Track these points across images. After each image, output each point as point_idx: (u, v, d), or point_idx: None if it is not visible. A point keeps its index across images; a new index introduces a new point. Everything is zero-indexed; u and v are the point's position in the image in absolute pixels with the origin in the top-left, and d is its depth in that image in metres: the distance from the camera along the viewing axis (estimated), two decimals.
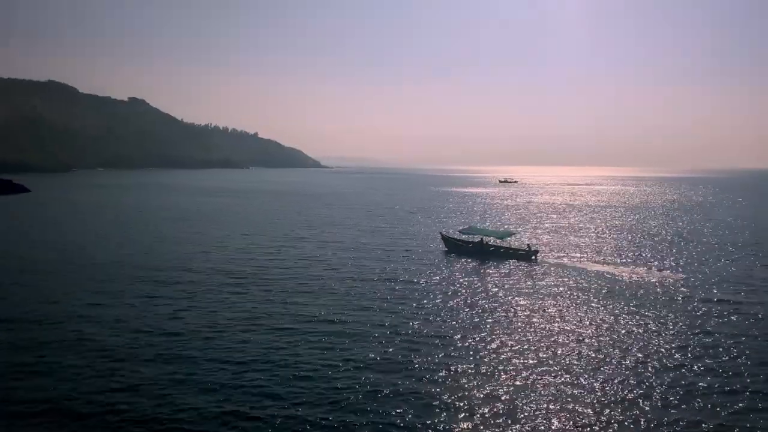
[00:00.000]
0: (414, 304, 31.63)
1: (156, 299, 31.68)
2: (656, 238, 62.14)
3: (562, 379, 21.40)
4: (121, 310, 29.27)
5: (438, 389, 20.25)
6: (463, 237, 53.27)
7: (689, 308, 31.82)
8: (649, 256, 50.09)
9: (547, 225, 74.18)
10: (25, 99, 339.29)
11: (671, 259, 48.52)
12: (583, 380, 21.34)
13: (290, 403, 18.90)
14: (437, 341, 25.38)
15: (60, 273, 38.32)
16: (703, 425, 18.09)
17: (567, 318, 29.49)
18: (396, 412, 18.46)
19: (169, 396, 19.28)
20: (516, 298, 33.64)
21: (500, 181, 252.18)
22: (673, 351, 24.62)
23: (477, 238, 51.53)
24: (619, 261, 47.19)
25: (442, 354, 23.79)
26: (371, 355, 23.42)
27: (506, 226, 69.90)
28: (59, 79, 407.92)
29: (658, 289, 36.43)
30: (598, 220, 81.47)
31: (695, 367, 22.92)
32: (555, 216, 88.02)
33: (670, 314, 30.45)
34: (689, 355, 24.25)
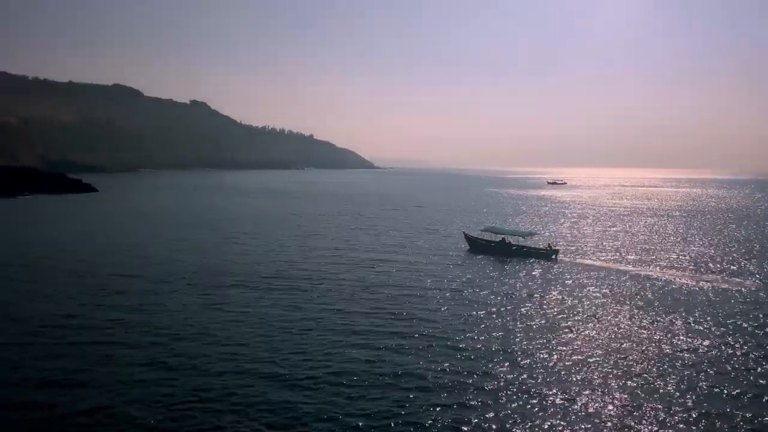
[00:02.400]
0: (442, 304, 31.83)
1: (208, 301, 32.01)
2: (697, 243, 59.98)
3: (597, 380, 21.49)
4: (180, 315, 29.64)
5: (471, 389, 20.24)
6: (486, 236, 53.69)
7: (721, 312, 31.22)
8: (687, 260, 48.98)
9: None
10: (94, 102, 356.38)
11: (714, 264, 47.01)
12: (608, 379, 21.48)
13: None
14: (471, 339, 25.81)
15: (116, 273, 39.22)
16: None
17: (585, 316, 29.93)
18: (430, 410, 18.56)
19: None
20: (538, 295, 34.18)
21: (548, 183, 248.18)
22: (686, 353, 24.58)
23: (499, 238, 52.00)
24: (645, 263, 46.61)
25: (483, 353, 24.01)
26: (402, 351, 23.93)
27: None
28: (125, 83, 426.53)
29: (674, 290, 36.24)
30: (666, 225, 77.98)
31: (707, 368, 22.79)
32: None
33: (686, 314, 30.36)
34: (704, 357, 24.15)
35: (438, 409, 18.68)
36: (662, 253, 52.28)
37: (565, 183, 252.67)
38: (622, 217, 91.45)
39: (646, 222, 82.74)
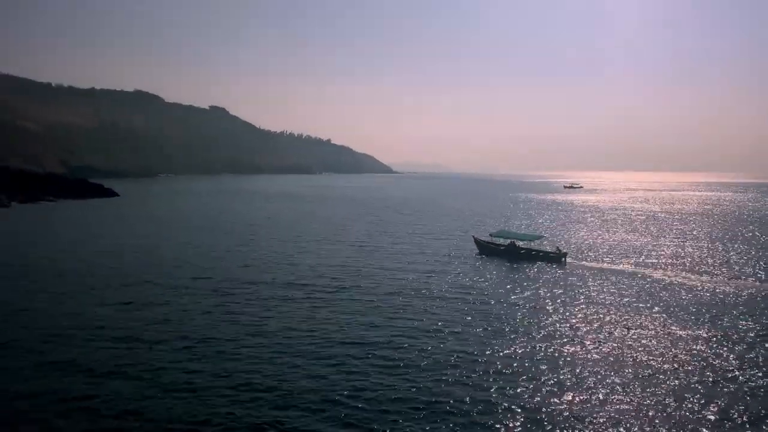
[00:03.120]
0: (451, 305, 32.32)
1: (218, 305, 30.59)
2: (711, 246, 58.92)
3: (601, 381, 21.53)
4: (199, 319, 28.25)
5: (480, 392, 20.17)
6: (495, 240, 53.99)
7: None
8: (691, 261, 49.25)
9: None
10: (115, 108, 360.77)
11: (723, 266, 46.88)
12: (618, 383, 21.29)
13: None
14: (483, 337, 26.49)
15: (138, 278, 38.08)
16: None
17: (591, 318, 30.19)
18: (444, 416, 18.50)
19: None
20: (546, 298, 34.38)
21: (565, 187, 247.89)
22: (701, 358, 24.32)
23: (507, 241, 52.34)
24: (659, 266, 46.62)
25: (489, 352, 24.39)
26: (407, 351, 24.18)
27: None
28: (146, 89, 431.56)
29: (688, 293, 36.33)
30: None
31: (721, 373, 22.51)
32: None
33: (700, 319, 30.17)
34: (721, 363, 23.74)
35: (445, 414, 18.56)
36: (676, 257, 51.87)
37: (582, 187, 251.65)
38: (637, 221, 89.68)
39: (660, 226, 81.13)
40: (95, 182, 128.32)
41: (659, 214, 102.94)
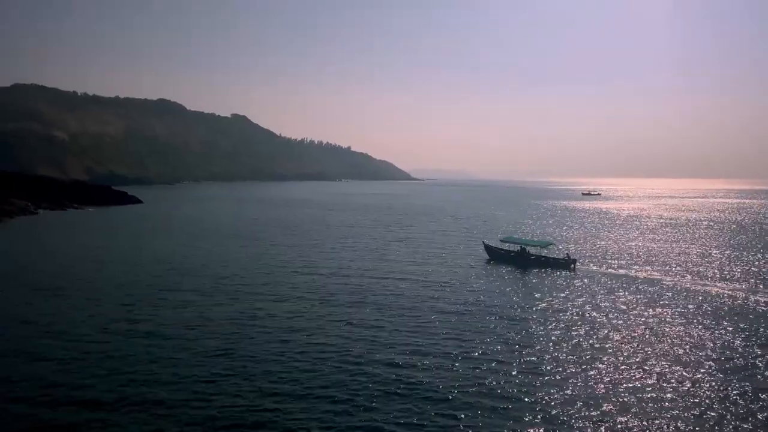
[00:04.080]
0: (463, 309, 33.06)
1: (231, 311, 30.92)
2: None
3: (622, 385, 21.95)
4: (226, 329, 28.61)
5: (494, 400, 20.27)
6: (505, 246, 54.38)
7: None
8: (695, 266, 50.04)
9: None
10: (139, 117, 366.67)
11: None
12: (630, 387, 21.69)
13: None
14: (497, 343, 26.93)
15: (162, 284, 38.61)
16: None
17: (603, 324, 30.68)
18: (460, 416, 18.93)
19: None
20: (556, 304, 34.66)
21: (583, 194, 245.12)
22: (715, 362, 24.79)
23: (517, 247, 52.76)
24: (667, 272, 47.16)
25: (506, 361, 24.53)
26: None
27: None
28: (169, 98, 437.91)
29: (699, 297, 37.23)
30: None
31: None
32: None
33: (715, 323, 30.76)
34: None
35: (460, 418, 18.80)
36: (687, 263, 52.17)
37: (600, 194, 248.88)
38: (651, 228, 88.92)
39: (675, 233, 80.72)
40: (119, 189, 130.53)
41: (674, 221, 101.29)
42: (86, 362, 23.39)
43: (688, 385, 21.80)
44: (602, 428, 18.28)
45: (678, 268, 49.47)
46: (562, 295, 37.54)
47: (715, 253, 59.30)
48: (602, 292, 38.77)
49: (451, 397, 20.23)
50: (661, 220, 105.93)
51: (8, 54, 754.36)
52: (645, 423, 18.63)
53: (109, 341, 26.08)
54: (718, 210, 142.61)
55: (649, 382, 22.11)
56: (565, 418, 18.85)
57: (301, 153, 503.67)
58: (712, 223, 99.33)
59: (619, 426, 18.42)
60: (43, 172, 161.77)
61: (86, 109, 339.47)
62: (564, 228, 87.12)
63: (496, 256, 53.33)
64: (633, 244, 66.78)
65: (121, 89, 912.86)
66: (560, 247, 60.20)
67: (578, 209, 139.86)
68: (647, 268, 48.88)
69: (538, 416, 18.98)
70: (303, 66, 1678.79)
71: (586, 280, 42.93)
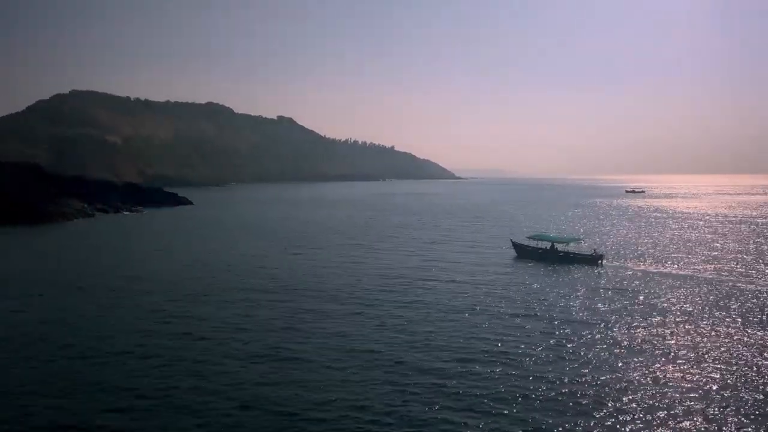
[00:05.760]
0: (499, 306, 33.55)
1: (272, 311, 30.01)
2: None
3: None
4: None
5: (528, 400, 20.19)
6: (532, 243, 54.24)
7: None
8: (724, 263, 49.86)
9: None
10: (189, 120, 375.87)
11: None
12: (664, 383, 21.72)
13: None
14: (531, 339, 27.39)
15: (216, 285, 38.29)
16: None
17: (640, 320, 30.90)
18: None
19: None
20: (586, 300, 34.97)
21: (627, 192, 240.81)
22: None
23: (546, 244, 52.78)
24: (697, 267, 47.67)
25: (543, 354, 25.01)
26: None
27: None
28: (217, 101, 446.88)
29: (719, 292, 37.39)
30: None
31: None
32: None
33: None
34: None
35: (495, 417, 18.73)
36: (725, 260, 51.43)
37: (644, 192, 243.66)
38: (687, 225, 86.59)
39: (711, 230, 78.48)
40: (170, 191, 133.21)
41: (713, 219, 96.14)
42: (132, 363, 23.09)
43: (734, 385, 21.35)
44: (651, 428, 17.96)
45: (709, 263, 49.17)
46: (591, 290, 37.99)
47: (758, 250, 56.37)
48: (630, 287, 39.14)
49: (509, 398, 20.02)
50: (700, 216, 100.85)
51: (66, 62, 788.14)
52: (694, 423, 18.27)
53: (162, 342, 25.80)
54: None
55: (688, 377, 22.05)
56: (617, 418, 18.61)
57: (345, 153, 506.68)
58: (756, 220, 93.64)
59: (670, 426, 18.09)
60: (98, 175, 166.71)
61: (138, 113, 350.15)
62: (612, 227, 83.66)
63: (524, 253, 53.52)
64: (666, 240, 66.10)
65: (172, 93, 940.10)
66: (592, 241, 60.72)
67: (629, 207, 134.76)
68: (682, 264, 49.01)
69: (588, 416, 18.77)
70: (347, 67, 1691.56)
71: (614, 275, 43.40)
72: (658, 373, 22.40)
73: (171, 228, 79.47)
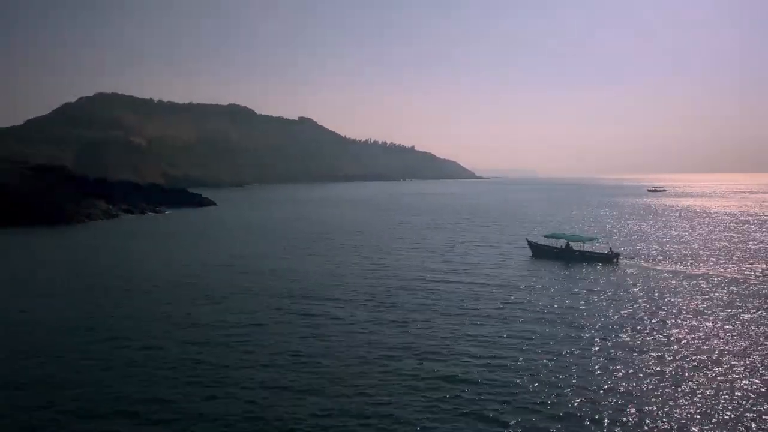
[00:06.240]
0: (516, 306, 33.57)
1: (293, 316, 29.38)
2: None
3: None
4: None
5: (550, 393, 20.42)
6: (548, 242, 54.25)
7: None
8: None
9: None
10: (211, 121, 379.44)
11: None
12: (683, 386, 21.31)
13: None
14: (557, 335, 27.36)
15: (236, 288, 37.93)
16: None
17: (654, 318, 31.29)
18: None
19: None
20: (604, 299, 35.15)
21: (648, 191, 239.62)
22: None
23: (562, 243, 52.66)
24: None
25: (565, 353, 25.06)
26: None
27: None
28: (239, 103, 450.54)
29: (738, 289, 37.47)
30: None
31: None
32: None
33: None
34: None
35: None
36: (741, 260, 50.82)
37: (665, 190, 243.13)
38: (705, 224, 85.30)
39: (731, 230, 76.72)
40: (193, 192, 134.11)
41: (736, 218, 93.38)
42: (149, 365, 22.81)
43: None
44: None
45: (732, 263, 48.82)
46: (608, 288, 38.17)
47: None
48: (646, 285, 39.31)
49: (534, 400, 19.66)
50: (722, 215, 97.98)
51: (91, 66, 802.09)
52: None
53: (181, 342, 25.57)
54: None
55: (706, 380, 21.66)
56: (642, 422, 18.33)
57: (366, 154, 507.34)
58: None
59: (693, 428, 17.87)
60: (123, 176, 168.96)
61: (162, 115, 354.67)
62: (633, 225, 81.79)
63: (540, 252, 53.49)
64: (683, 239, 65.84)
65: (194, 95, 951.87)
66: (611, 240, 61.03)
67: (652, 206, 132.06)
68: (696, 262, 49.00)
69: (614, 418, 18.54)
70: (366, 67, 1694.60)
71: (630, 274, 43.55)
72: (669, 375, 21.96)
73: (193, 229, 79.71)
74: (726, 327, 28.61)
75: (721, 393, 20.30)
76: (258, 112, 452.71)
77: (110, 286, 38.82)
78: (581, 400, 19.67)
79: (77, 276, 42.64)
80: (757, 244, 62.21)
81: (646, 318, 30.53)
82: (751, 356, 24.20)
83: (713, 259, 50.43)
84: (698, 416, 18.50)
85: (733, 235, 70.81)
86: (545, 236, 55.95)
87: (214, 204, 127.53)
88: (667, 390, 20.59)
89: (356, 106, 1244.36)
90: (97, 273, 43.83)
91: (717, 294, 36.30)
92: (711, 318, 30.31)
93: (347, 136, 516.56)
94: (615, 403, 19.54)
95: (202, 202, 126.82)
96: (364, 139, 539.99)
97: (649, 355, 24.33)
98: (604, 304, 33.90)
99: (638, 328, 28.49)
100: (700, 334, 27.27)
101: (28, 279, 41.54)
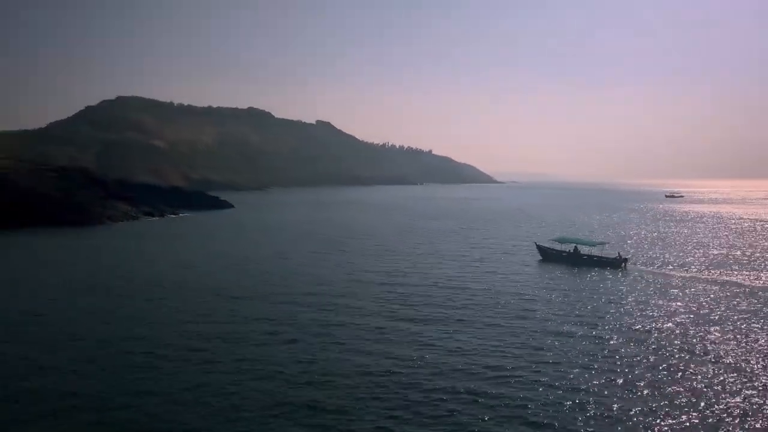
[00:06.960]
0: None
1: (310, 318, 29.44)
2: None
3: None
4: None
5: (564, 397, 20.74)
6: (556, 246, 54.52)
7: None
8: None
9: None
10: (230, 125, 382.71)
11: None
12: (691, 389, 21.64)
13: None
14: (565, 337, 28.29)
15: (256, 290, 38.23)
16: None
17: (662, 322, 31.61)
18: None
19: None
20: (611, 303, 35.66)
21: (666, 196, 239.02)
22: None
23: (569, 247, 53.17)
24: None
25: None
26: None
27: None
28: (258, 106, 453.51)
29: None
30: None
31: None
32: None
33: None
34: None
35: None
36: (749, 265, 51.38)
37: (683, 196, 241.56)
38: (714, 232, 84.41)
39: (740, 237, 76.24)
40: (213, 195, 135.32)
41: (751, 224, 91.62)
42: (165, 367, 23.22)
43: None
44: None
45: (743, 269, 49.26)
46: (616, 293, 38.79)
47: None
48: (653, 290, 39.92)
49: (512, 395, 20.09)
50: (733, 223, 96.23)
51: (112, 69, 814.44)
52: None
53: (199, 345, 25.90)
54: None
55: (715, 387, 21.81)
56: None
57: (383, 157, 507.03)
58: None
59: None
60: (144, 179, 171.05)
61: (182, 118, 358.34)
62: (646, 230, 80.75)
63: (548, 256, 53.91)
64: (691, 245, 65.75)
65: (214, 99, 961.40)
66: (615, 244, 61.49)
67: (678, 212, 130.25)
68: (703, 268, 49.48)
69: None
70: (383, 71, 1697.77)
71: (638, 279, 44.11)
72: (679, 380, 22.14)
73: (212, 231, 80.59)
74: (730, 332, 28.82)
75: (731, 401, 20.29)
76: (276, 115, 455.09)
77: (128, 286, 39.53)
78: (594, 408, 19.71)
79: (103, 276, 43.48)
80: (759, 249, 61.86)
81: (647, 323, 30.72)
82: (757, 363, 24.24)
83: (725, 266, 50.43)
84: (717, 423, 18.41)
85: (747, 241, 69.90)
86: (554, 240, 56.33)
87: (232, 206, 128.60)
88: (668, 392, 20.88)
89: (372, 110, 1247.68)
90: (120, 275, 44.62)
91: (724, 300, 36.52)
92: (718, 326, 30.41)
93: (364, 140, 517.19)
94: (620, 407, 19.64)
95: (221, 205, 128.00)
96: (381, 143, 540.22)
97: (643, 358, 24.59)
98: (611, 309, 34.02)
99: (638, 331, 28.88)
100: (712, 343, 27.24)
101: (56, 279, 42.35)
